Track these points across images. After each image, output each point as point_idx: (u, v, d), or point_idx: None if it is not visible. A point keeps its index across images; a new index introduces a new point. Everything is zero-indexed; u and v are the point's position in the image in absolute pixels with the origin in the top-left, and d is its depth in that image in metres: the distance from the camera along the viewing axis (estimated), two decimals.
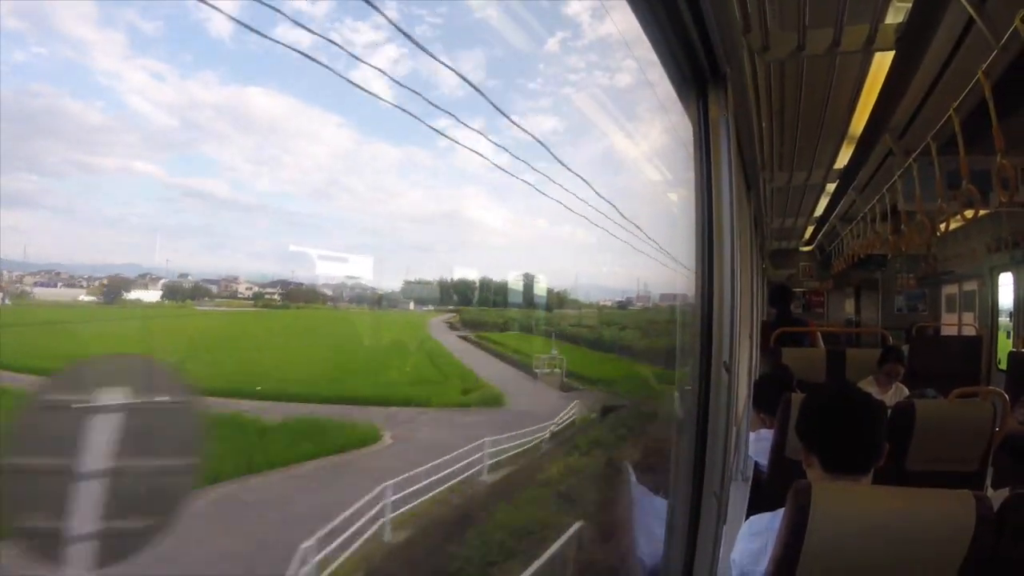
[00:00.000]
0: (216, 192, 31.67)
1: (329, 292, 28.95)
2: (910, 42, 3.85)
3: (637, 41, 2.29)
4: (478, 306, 33.02)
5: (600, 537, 8.05)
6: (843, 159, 7.10)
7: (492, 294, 34.39)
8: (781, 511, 1.98)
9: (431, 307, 32.65)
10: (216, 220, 32.69)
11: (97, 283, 20.16)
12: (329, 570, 8.05)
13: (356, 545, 8.76)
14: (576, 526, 7.86)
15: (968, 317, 12.07)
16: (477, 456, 12.70)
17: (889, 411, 3.45)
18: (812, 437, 2.31)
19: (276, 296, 26.48)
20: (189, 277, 24.70)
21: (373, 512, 9.36)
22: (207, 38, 26.50)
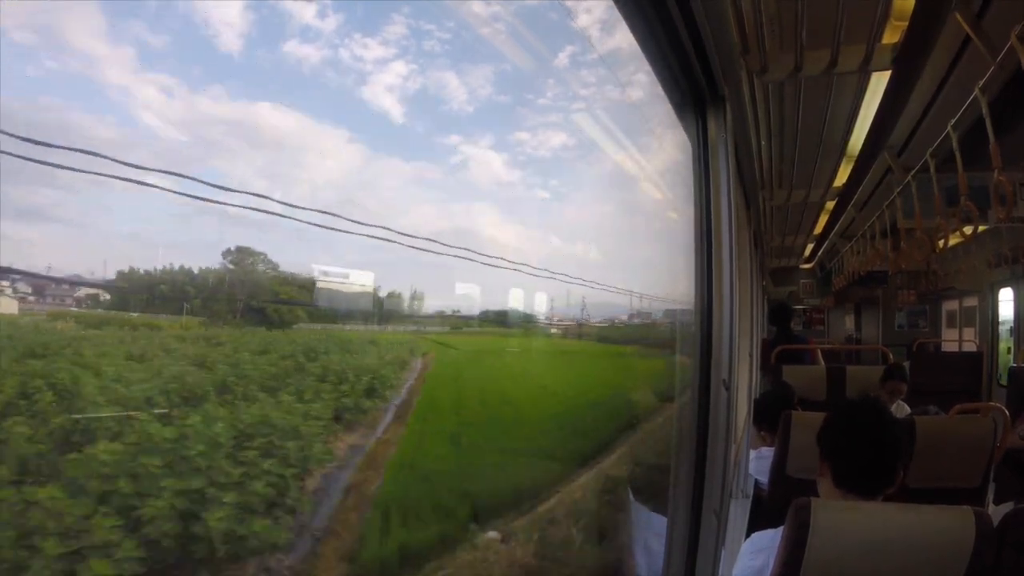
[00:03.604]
0: (227, 208, 31.41)
1: None
2: (907, 61, 3.88)
3: (638, 63, 2.31)
4: None
5: None
6: (842, 177, 7.12)
7: None
8: (783, 528, 1.99)
9: None
10: (229, 236, 32.49)
11: None
12: None
13: None
14: None
15: (969, 333, 12.07)
16: None
17: None
18: (835, 452, 2.30)
19: None
20: None
21: None
22: (216, 53, 26.45)
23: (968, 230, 4.72)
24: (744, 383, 5.21)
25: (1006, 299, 10.22)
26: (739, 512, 4.31)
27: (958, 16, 3.42)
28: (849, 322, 17.81)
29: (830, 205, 8.74)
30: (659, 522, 3.06)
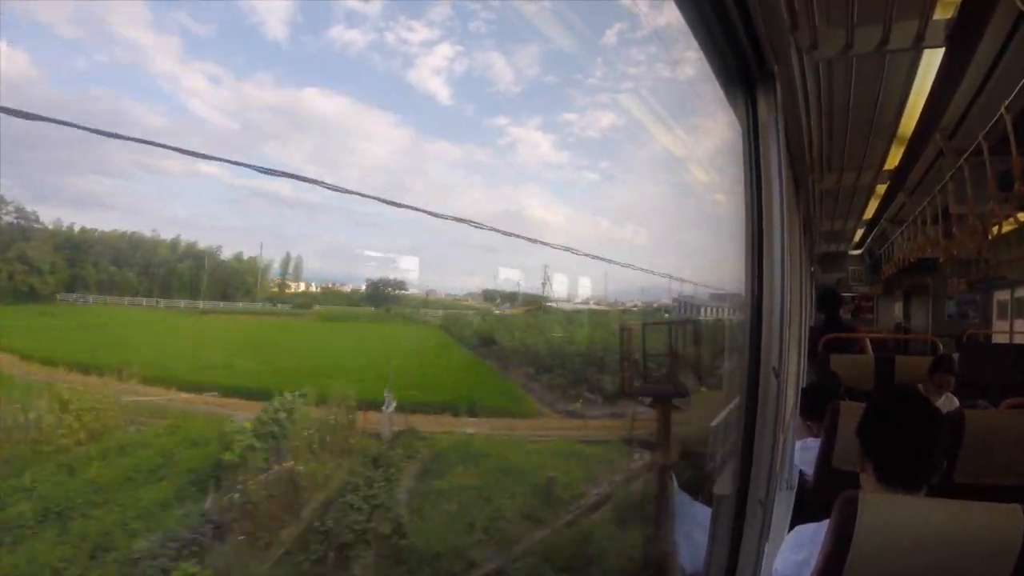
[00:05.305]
0: (280, 192, 32.24)
1: None
2: (960, 39, 3.77)
3: (685, 40, 2.27)
4: None
5: None
6: (893, 160, 6.97)
7: None
8: (827, 522, 1.96)
9: None
10: (282, 220, 33.35)
11: None
12: None
13: None
14: None
15: (1020, 324, 11.82)
16: None
17: None
18: (872, 444, 2.25)
19: None
20: None
21: None
22: (261, 40, 26.98)
23: (1023, 216, 4.60)
24: (792, 371, 5.14)
25: None
26: (782, 504, 4.25)
27: None
28: (898, 310, 17.58)
29: (880, 189, 8.58)
30: (702, 509, 3.03)
